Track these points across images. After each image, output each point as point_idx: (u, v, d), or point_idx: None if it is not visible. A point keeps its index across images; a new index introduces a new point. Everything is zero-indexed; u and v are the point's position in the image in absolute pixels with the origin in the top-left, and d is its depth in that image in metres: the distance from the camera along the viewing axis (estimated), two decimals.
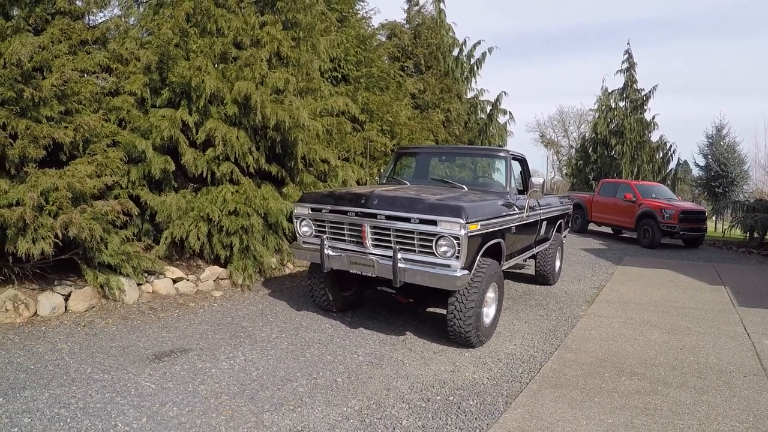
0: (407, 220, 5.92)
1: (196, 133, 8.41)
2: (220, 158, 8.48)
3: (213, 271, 8.48)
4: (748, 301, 9.81)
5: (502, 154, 8.27)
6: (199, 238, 8.10)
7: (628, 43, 32.11)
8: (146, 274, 7.86)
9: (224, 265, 8.64)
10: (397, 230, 6.04)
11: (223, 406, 4.63)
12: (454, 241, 5.69)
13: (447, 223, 5.69)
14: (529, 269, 10.49)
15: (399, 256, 5.95)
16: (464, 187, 7.70)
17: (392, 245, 6.07)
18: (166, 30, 8.34)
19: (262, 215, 8.63)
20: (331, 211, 6.62)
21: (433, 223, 5.77)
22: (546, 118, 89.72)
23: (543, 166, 64.28)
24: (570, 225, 12.23)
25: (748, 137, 46.15)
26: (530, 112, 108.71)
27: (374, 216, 6.17)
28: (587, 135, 34.68)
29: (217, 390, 4.93)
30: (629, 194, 19.07)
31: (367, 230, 6.28)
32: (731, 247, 19.55)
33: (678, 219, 17.48)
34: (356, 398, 4.89)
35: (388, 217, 6.06)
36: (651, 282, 11.34)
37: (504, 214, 6.95)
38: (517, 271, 11.14)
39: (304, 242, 7.03)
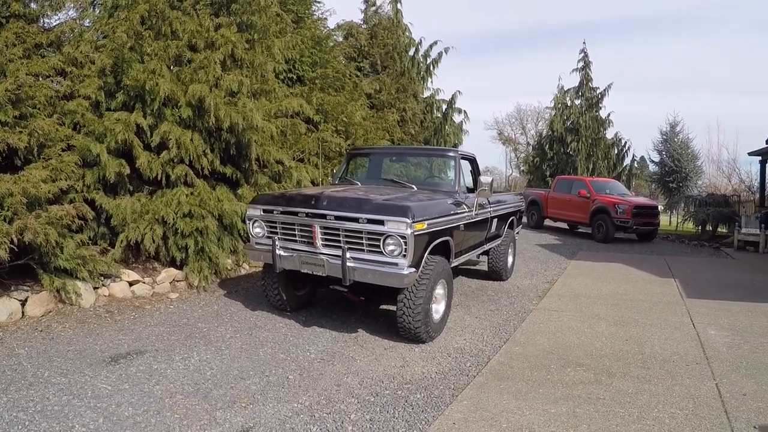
0: (356, 220, 6.06)
1: (151, 136, 8.43)
2: (175, 161, 8.52)
3: (169, 273, 8.53)
4: (696, 292, 10.13)
5: (451, 154, 8.49)
6: (154, 241, 8.14)
7: (584, 43, 32.92)
8: (102, 278, 7.86)
9: (180, 267, 8.68)
10: (346, 230, 6.18)
11: (178, 405, 4.73)
12: (401, 240, 5.85)
13: (394, 223, 5.85)
14: (483, 265, 10.69)
15: (348, 255, 6.10)
16: (414, 186, 7.88)
17: (341, 245, 6.21)
18: (120, 33, 8.32)
19: (217, 217, 8.72)
20: (282, 212, 6.74)
21: (381, 222, 5.93)
22: (504, 116, 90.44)
23: (501, 164, 64.80)
24: (522, 222, 12.40)
25: (702, 134, 47.18)
26: (489, 110, 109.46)
27: (324, 216, 6.30)
28: (544, 132, 35.14)
29: (171, 390, 5.03)
30: (583, 190, 19.45)
31: (317, 230, 6.41)
32: (684, 241, 20.05)
33: (631, 214, 17.89)
34: (307, 394, 5.03)
35: (337, 218, 6.20)
36: (603, 276, 11.65)
37: (452, 212, 7.13)
38: (472, 267, 11.35)
39: (257, 243, 7.13)
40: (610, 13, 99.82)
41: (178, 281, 8.63)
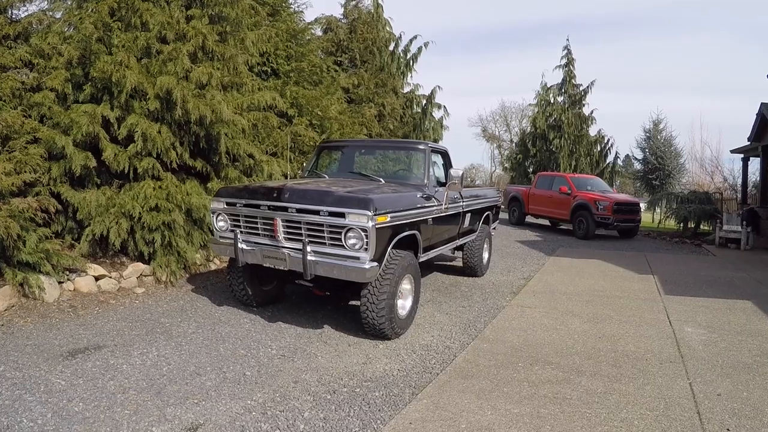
0: (317, 212, 5.95)
1: (119, 128, 8.28)
2: (142, 154, 8.36)
3: (136, 267, 8.38)
4: (674, 289, 10.09)
5: (421, 147, 8.34)
6: (119, 235, 8.00)
7: (567, 39, 32.99)
8: (68, 272, 7.72)
9: (148, 262, 8.54)
10: (307, 223, 6.07)
11: (129, 401, 4.62)
12: (363, 233, 5.75)
13: (355, 215, 5.74)
14: (459, 261, 10.62)
15: (309, 249, 6.00)
16: (381, 180, 7.77)
17: (304, 238, 6.09)
18: (88, 24, 8.21)
19: (186, 211, 8.58)
20: (245, 205, 6.63)
21: (342, 215, 5.82)
22: (488, 113, 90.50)
23: (485, 161, 64.80)
24: (499, 217, 12.31)
25: (685, 132, 47.43)
26: (473, 107, 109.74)
27: (285, 209, 6.19)
28: (527, 129, 35.16)
29: (125, 385, 4.91)
30: (564, 187, 19.46)
31: (279, 224, 6.30)
32: (665, 238, 20.10)
33: (612, 210, 17.90)
34: (262, 391, 4.91)
35: (299, 210, 6.09)
36: (580, 272, 11.60)
37: (419, 206, 7.03)
38: (447, 263, 11.29)
39: (220, 237, 7.02)
40: (595, 10, 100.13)
41: (145, 276, 8.48)
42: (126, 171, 8.36)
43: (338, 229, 5.89)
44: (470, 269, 10.28)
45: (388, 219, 6.05)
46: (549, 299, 8.94)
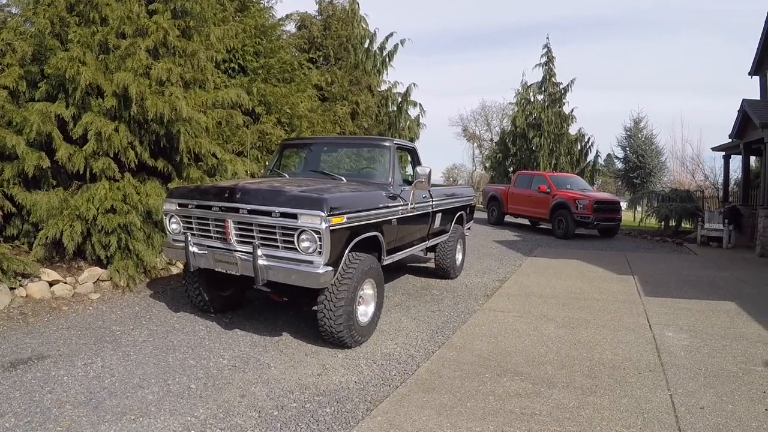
0: (268, 213, 5.64)
1: (75, 127, 7.98)
2: (99, 153, 8.05)
3: (92, 272, 8.06)
4: (655, 290, 9.82)
5: (386, 144, 7.96)
6: (73, 238, 7.70)
7: (547, 38, 32.93)
8: (20, 278, 7.42)
9: (106, 266, 8.22)
10: (259, 225, 5.76)
11: (64, 416, 4.34)
12: (315, 236, 5.44)
13: (307, 216, 5.43)
14: (433, 262, 10.30)
15: (261, 252, 5.71)
16: (343, 178, 7.45)
17: (254, 241, 5.80)
18: (42, 19, 7.96)
19: (144, 213, 8.28)
20: (196, 207, 6.30)
21: (294, 216, 5.50)
22: (469, 112, 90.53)
23: (466, 160, 64.66)
24: (473, 217, 12.03)
25: (666, 130, 47.49)
26: (458, 107, 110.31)
27: (237, 210, 5.87)
28: (507, 128, 35.01)
29: (63, 399, 4.63)
30: (543, 185, 19.31)
31: (231, 225, 5.99)
32: (646, 237, 20.04)
33: (592, 209, 17.75)
34: (206, 406, 4.61)
35: (251, 211, 5.78)
36: (558, 273, 11.34)
37: (381, 205, 6.72)
38: (422, 264, 11.03)
39: (174, 240, 6.69)
40: (576, 11, 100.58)
41: (103, 281, 8.16)
42: (81, 172, 8.05)
43: (291, 231, 5.58)
44: (443, 271, 9.99)
45: (345, 220, 5.73)
46: (523, 302, 8.64)
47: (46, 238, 7.70)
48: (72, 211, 7.76)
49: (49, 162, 7.83)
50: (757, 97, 19.51)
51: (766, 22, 18.27)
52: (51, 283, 7.66)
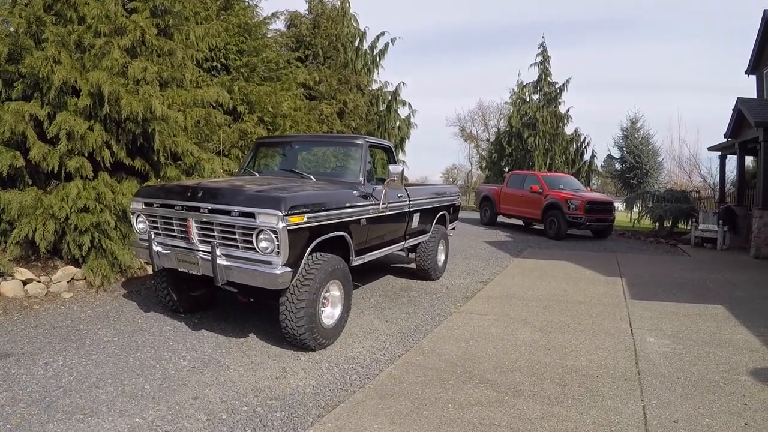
0: (228, 213, 5.59)
1: (51, 126, 7.95)
2: (74, 153, 8.03)
3: (67, 271, 8.03)
4: (641, 293, 9.66)
5: (358, 142, 7.85)
6: (45, 237, 7.67)
7: (543, 37, 32.81)
8: None
9: (81, 266, 8.20)
10: (220, 224, 5.71)
11: (16, 414, 4.35)
12: (273, 235, 5.38)
13: (265, 216, 5.36)
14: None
15: (220, 252, 5.67)
16: (312, 177, 7.37)
17: (213, 240, 5.76)
18: (18, 18, 7.97)
19: (119, 212, 8.24)
20: (161, 206, 6.26)
21: (252, 215, 5.44)
22: (467, 112, 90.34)
23: (464, 161, 64.48)
24: (458, 217, 11.92)
25: (663, 130, 47.32)
26: (452, 107, 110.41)
27: (198, 209, 5.83)
28: (502, 128, 34.96)
29: (17, 397, 4.64)
30: (536, 185, 19.20)
31: (192, 225, 5.94)
32: (640, 237, 19.93)
33: (584, 210, 17.64)
34: (156, 408, 4.57)
35: (211, 210, 5.73)
36: (544, 275, 11.23)
37: (348, 204, 6.65)
38: (405, 265, 10.95)
39: (140, 239, 6.67)
40: (574, 11, 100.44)
41: (77, 280, 8.14)
42: (56, 171, 8.04)
43: (250, 230, 5.52)
44: (424, 272, 9.90)
45: (305, 219, 5.66)
46: (503, 305, 8.48)
47: (20, 236, 7.68)
48: (45, 210, 7.74)
49: (24, 161, 7.81)
50: (754, 95, 19.44)
51: (762, 20, 18.21)
52: (24, 282, 7.63)
